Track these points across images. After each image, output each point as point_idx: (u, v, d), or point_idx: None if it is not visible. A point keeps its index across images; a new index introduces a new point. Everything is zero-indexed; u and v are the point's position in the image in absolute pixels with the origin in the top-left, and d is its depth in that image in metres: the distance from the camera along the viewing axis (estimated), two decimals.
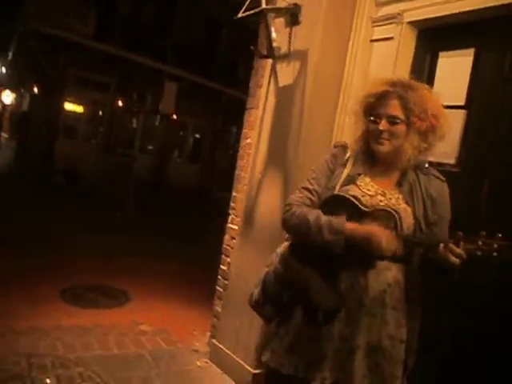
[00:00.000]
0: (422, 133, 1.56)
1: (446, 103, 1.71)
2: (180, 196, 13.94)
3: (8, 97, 22.38)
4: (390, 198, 1.57)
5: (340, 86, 2.81)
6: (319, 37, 2.71)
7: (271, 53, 2.76)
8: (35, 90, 17.19)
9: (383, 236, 1.45)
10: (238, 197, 3.29)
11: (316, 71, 2.72)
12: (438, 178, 1.64)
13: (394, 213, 1.52)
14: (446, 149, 2.48)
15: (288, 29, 2.82)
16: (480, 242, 1.33)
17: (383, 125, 1.56)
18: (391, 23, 2.68)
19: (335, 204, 1.56)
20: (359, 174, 1.63)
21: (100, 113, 15.57)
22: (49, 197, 9.52)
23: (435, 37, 2.60)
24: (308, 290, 1.54)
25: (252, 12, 2.59)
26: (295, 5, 2.75)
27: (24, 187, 10.09)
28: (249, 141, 3.28)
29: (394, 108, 1.55)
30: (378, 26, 2.77)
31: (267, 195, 2.89)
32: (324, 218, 1.53)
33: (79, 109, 15.19)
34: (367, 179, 1.62)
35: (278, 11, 2.66)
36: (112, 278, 4.38)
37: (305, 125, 2.71)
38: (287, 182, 2.73)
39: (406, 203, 1.56)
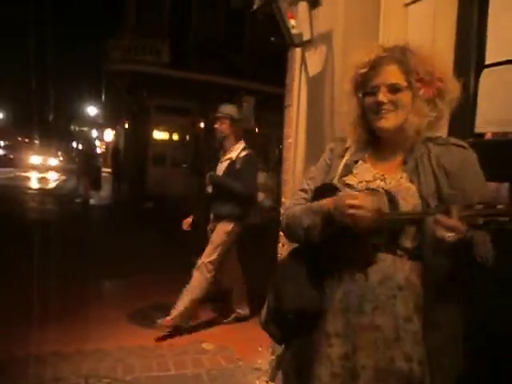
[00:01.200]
0: (429, 100, 1.30)
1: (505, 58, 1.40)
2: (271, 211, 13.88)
3: (109, 135, 24.40)
4: (391, 182, 1.30)
5: None
6: (341, 14, 2.43)
7: (291, 41, 2.54)
8: (126, 125, 18.52)
9: (359, 197, 1.20)
10: (286, 202, 3.08)
11: (344, 53, 2.44)
12: (459, 145, 1.31)
13: (383, 192, 1.24)
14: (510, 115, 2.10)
15: (312, 12, 2.60)
16: (479, 207, 1.04)
17: (383, 95, 1.29)
18: None
19: (324, 195, 1.32)
20: (356, 161, 1.39)
21: (185, 137, 16.15)
22: (138, 222, 9.98)
23: None
24: (283, 294, 1.32)
25: (261, 2, 2.40)
26: None
27: (119, 215, 10.70)
28: (290, 141, 3.07)
29: (393, 74, 1.30)
30: None
31: None
32: (305, 207, 1.33)
33: (165, 136, 15.98)
34: (366, 165, 1.38)
35: None
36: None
37: (336, 117, 2.43)
38: None
39: (411, 182, 1.28)
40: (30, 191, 15.21)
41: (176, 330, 3.42)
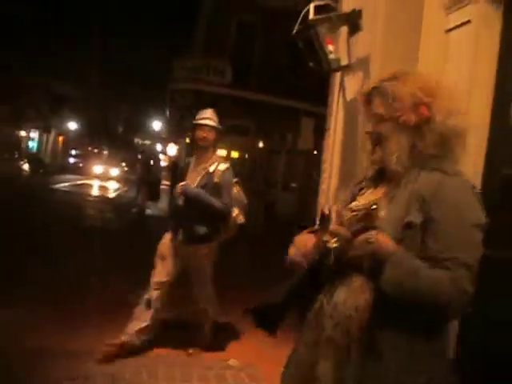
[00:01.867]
0: (413, 128, 1.26)
1: None
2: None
3: (172, 149, 25.27)
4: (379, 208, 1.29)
5: None
6: (380, 39, 2.44)
7: (328, 66, 2.56)
8: (187, 140, 19.13)
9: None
10: None
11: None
12: (442, 171, 1.24)
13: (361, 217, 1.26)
14: None
15: (351, 38, 2.62)
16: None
17: (369, 127, 1.32)
18: (465, 5, 2.28)
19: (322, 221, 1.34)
20: (361, 189, 1.42)
21: (243, 155, 16.40)
22: None
23: None
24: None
25: (301, 27, 2.45)
26: (353, 11, 2.55)
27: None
28: (326, 165, 3.07)
29: (377, 106, 1.30)
30: (451, 12, 2.39)
31: None
32: None
33: (223, 153, 16.33)
34: (369, 191, 1.39)
35: (329, 20, 2.47)
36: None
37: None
38: None
39: (387, 208, 1.26)
40: (91, 199, 16.02)
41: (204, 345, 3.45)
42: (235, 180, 3.52)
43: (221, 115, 12.31)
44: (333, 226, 1.17)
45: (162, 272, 3.33)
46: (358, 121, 2.50)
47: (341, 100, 2.76)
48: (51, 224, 8.02)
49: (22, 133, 25.08)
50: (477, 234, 1.19)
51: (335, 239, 1.15)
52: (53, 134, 28.87)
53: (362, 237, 1.16)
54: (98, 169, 27.42)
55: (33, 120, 24.10)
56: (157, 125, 29.39)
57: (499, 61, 2.20)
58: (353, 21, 2.56)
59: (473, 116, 2.21)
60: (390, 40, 2.43)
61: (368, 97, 1.33)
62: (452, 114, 1.25)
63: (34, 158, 21.68)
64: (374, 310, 1.18)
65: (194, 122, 3.49)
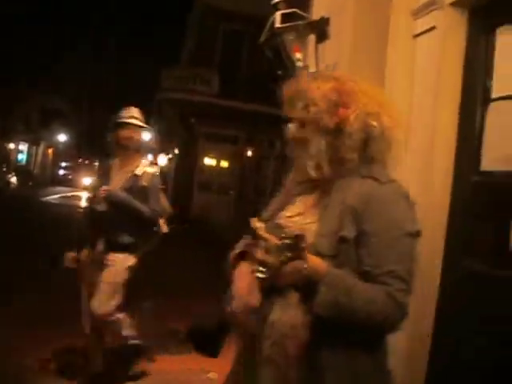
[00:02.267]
0: (333, 132, 1.19)
1: None
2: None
3: (162, 159, 25.26)
4: (306, 218, 1.23)
5: None
6: (347, 46, 2.43)
7: (293, 74, 2.54)
8: (176, 150, 19.12)
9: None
10: None
11: None
12: (374, 179, 1.18)
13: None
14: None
15: (319, 45, 2.61)
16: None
17: (288, 133, 1.27)
18: (432, 10, 2.28)
19: None
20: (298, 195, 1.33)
21: (232, 164, 16.39)
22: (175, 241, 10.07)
23: (489, 11, 2.11)
24: None
25: (268, 34, 2.43)
26: (321, 18, 2.54)
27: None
28: None
29: (297, 110, 1.24)
30: (419, 17, 2.38)
31: None
32: None
33: (212, 162, 16.31)
34: (298, 199, 1.31)
35: (296, 29, 2.46)
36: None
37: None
38: None
39: (319, 220, 1.20)
40: (81, 210, 15.88)
41: (184, 358, 3.39)
42: (161, 187, 3.34)
43: (209, 125, 12.24)
44: (259, 255, 1.08)
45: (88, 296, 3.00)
46: None
47: None
48: (37, 237, 7.92)
49: (11, 145, 25.01)
50: (410, 243, 1.14)
51: (262, 269, 1.07)
52: (42, 146, 28.79)
53: (292, 266, 1.07)
54: (87, 180, 27.29)
55: (22, 132, 24.02)
56: (146, 135, 29.33)
57: (465, 66, 2.18)
58: (321, 28, 2.55)
59: (440, 122, 2.21)
60: (357, 47, 2.42)
61: (290, 102, 1.26)
62: (376, 115, 1.19)
63: (22, 171, 21.57)
64: (311, 329, 1.12)
65: (118, 120, 3.16)
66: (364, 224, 1.13)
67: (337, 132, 1.19)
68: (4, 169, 19.04)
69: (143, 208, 3.00)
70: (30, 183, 19.20)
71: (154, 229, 3.18)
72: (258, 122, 14.59)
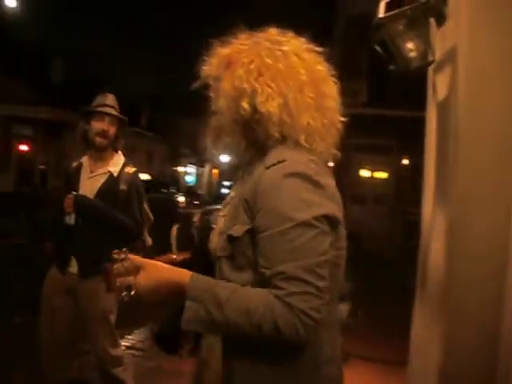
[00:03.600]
0: (244, 121, 1.13)
1: None
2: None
3: None
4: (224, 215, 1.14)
5: None
6: (465, 28, 2.07)
7: (406, 66, 2.27)
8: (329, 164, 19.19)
9: None
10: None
11: (469, 77, 2.01)
12: (266, 167, 1.03)
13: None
14: None
15: (438, 30, 2.29)
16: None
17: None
18: None
19: None
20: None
21: (386, 175, 15.81)
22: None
23: None
24: None
25: (374, 28, 2.22)
26: None
27: None
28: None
29: (213, 100, 1.20)
30: None
31: None
32: None
33: (365, 174, 15.89)
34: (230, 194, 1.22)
35: (403, 15, 2.19)
36: None
37: (461, 143, 2.00)
38: None
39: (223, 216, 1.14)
40: None
41: None
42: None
43: (358, 136, 11.92)
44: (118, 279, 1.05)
45: (53, 326, 2.50)
46: (450, 126, 2.14)
47: (432, 102, 2.42)
48: None
49: (180, 168, 27.91)
50: (305, 234, 0.94)
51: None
52: (207, 167, 31.47)
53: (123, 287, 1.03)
54: None
55: (189, 156, 26.66)
56: None
57: None
58: (438, 10, 2.24)
59: None
60: (477, 25, 2.05)
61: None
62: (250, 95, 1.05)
63: (189, 191, 23.85)
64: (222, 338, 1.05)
65: (90, 109, 2.61)
66: (255, 218, 1.00)
67: (248, 121, 1.10)
68: (172, 190, 21.23)
69: (123, 217, 2.49)
70: (196, 202, 21.02)
71: (138, 242, 2.62)
72: (412, 129, 13.71)
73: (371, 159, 15.51)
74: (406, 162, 15.12)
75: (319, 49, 1.18)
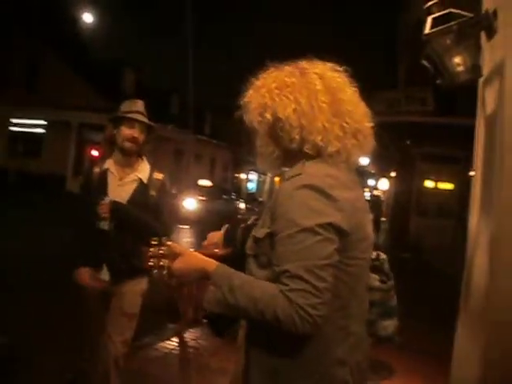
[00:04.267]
0: (270, 134, 1.32)
1: None
2: None
3: (383, 184, 25.13)
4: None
5: None
6: None
7: (451, 80, 2.29)
8: (392, 173, 18.70)
9: None
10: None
11: None
12: (286, 179, 1.20)
13: None
14: None
15: (487, 43, 2.30)
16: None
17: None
18: None
19: None
20: None
21: (453, 186, 15.24)
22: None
23: None
24: None
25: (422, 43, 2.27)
26: (485, 13, 2.24)
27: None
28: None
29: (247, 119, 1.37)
30: None
31: None
32: None
33: (431, 185, 15.38)
34: None
35: (450, 31, 2.21)
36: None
37: (508, 156, 1.99)
38: None
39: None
40: None
41: None
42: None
43: (425, 145, 11.51)
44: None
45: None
46: (496, 139, 2.14)
47: (481, 114, 2.41)
48: None
49: (243, 175, 28.35)
50: (307, 239, 1.07)
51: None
52: (269, 175, 31.68)
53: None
54: None
55: (251, 163, 27.01)
56: (364, 160, 29.45)
57: None
58: (487, 24, 2.25)
59: None
60: None
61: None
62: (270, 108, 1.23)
63: (250, 198, 24.17)
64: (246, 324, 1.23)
65: (120, 114, 2.59)
66: (273, 224, 1.16)
67: (273, 135, 1.30)
68: (233, 196, 21.64)
69: (154, 223, 2.50)
70: (256, 209, 21.30)
71: None
72: None
73: (436, 169, 15.03)
74: (473, 173, 14.49)
75: (342, 68, 1.30)
